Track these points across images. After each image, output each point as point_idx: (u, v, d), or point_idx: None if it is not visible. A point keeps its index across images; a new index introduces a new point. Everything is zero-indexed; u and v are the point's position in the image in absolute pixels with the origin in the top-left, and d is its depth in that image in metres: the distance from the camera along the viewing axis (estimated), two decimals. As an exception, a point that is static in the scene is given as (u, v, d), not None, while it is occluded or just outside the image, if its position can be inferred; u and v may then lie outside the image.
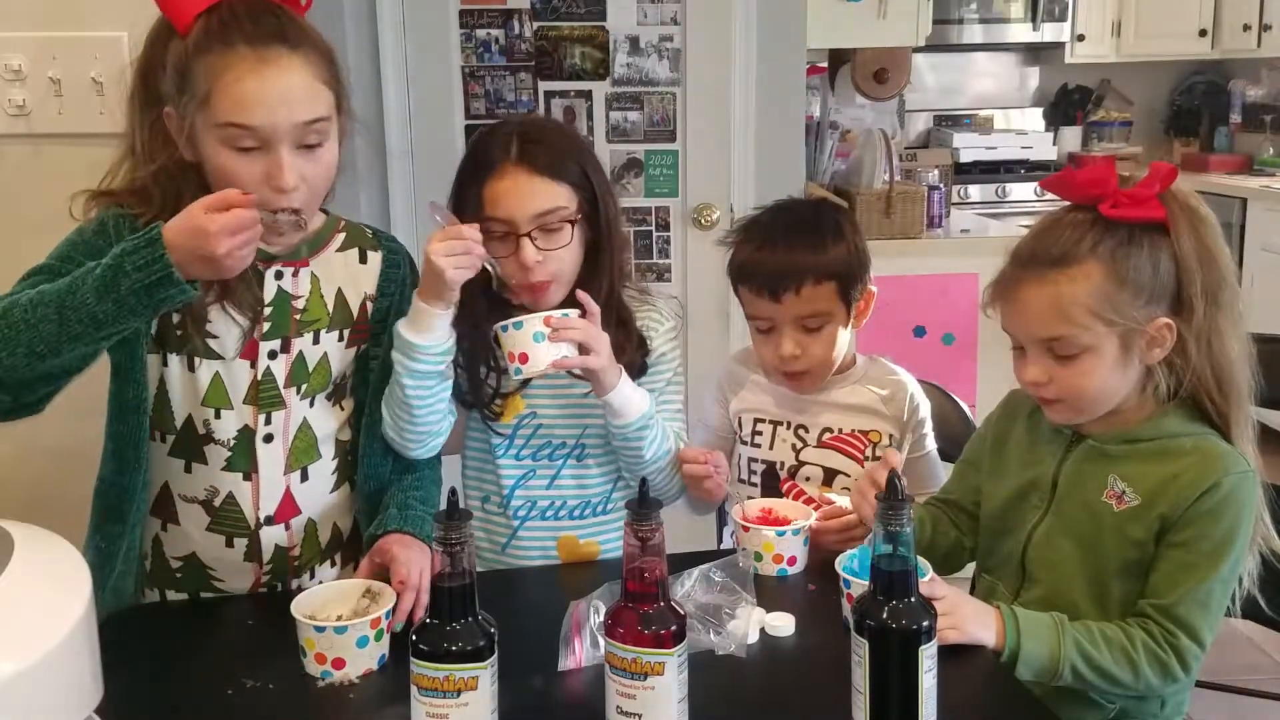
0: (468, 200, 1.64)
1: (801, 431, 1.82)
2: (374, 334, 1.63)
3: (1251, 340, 1.46)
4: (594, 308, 1.59)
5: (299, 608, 1.33)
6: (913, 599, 1.12)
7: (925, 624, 1.11)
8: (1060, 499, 1.50)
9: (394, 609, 1.37)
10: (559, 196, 1.62)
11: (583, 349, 1.57)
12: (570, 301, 1.63)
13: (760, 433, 1.84)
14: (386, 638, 1.34)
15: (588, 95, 3.18)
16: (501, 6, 3.12)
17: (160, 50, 1.45)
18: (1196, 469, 1.40)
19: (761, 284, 1.73)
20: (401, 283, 1.66)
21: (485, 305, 1.65)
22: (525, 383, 1.70)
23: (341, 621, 1.33)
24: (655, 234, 3.24)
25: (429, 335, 1.54)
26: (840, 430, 1.81)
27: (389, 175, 3.11)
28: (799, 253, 1.73)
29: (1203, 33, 5.62)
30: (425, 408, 1.58)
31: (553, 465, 1.74)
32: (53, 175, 1.91)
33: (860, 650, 1.12)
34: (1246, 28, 5.42)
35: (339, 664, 1.31)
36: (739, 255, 1.79)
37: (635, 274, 1.78)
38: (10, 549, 0.97)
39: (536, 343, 1.54)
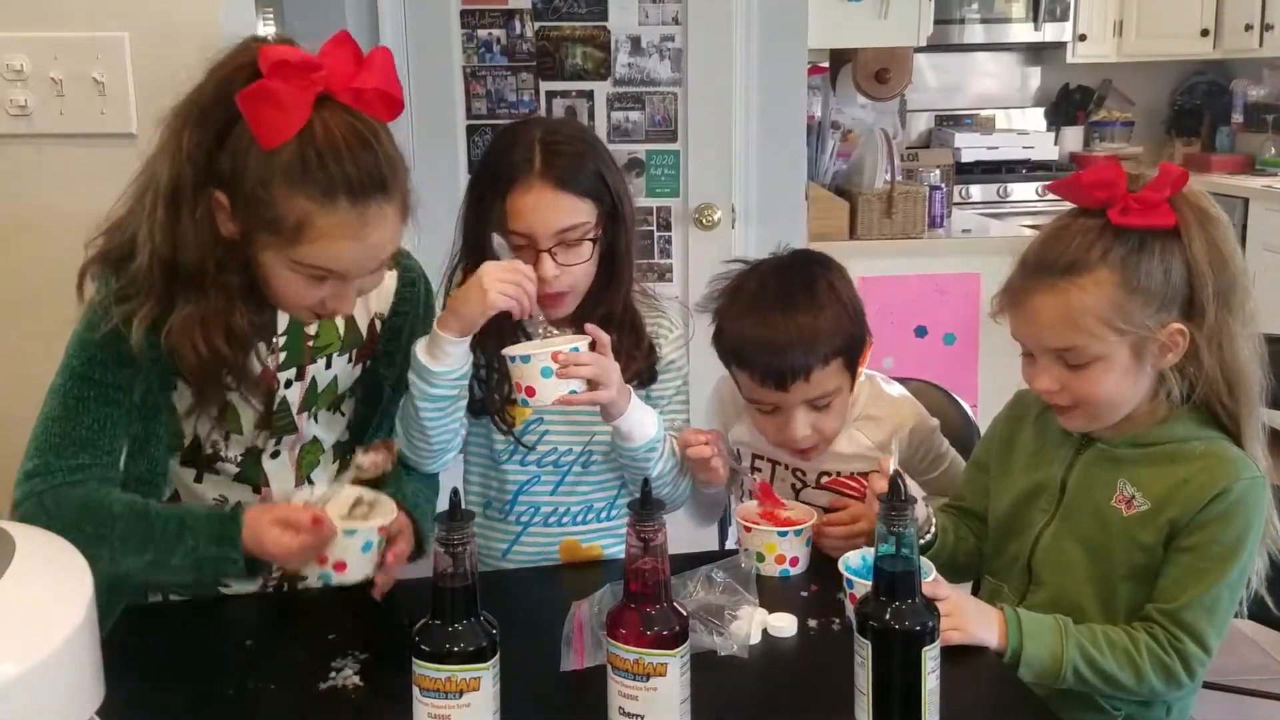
0: (490, 209, 1.61)
1: (799, 474, 1.78)
2: (386, 355, 1.62)
3: (1263, 340, 1.44)
4: (604, 338, 1.56)
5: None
6: (916, 600, 1.12)
7: (929, 625, 1.11)
8: (1069, 502, 1.49)
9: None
10: (581, 212, 1.60)
11: (591, 383, 1.53)
12: (580, 322, 1.62)
13: (759, 469, 1.80)
14: (376, 553, 1.38)
15: (589, 95, 3.18)
16: (503, 7, 3.12)
17: (223, 127, 1.31)
18: (1207, 474, 1.39)
19: (766, 375, 1.62)
20: (417, 301, 1.64)
21: (508, 317, 1.57)
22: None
23: (351, 524, 1.35)
24: (656, 234, 3.24)
25: (445, 361, 1.51)
26: (838, 473, 1.75)
27: (390, 175, 3.11)
28: (802, 335, 1.60)
29: (1204, 32, 5.62)
30: (439, 427, 1.58)
31: (558, 472, 1.73)
32: (54, 176, 1.91)
33: (863, 651, 1.12)
34: (1248, 27, 5.42)
35: (340, 567, 1.34)
36: (732, 332, 1.66)
37: (638, 275, 1.75)
38: (12, 550, 0.97)
39: (544, 378, 1.50)
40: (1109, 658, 1.36)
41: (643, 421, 1.62)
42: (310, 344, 1.54)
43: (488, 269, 1.50)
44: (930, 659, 1.11)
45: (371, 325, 1.60)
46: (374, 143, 1.31)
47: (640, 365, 1.69)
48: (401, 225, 1.39)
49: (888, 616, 1.11)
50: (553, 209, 1.58)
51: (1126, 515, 1.42)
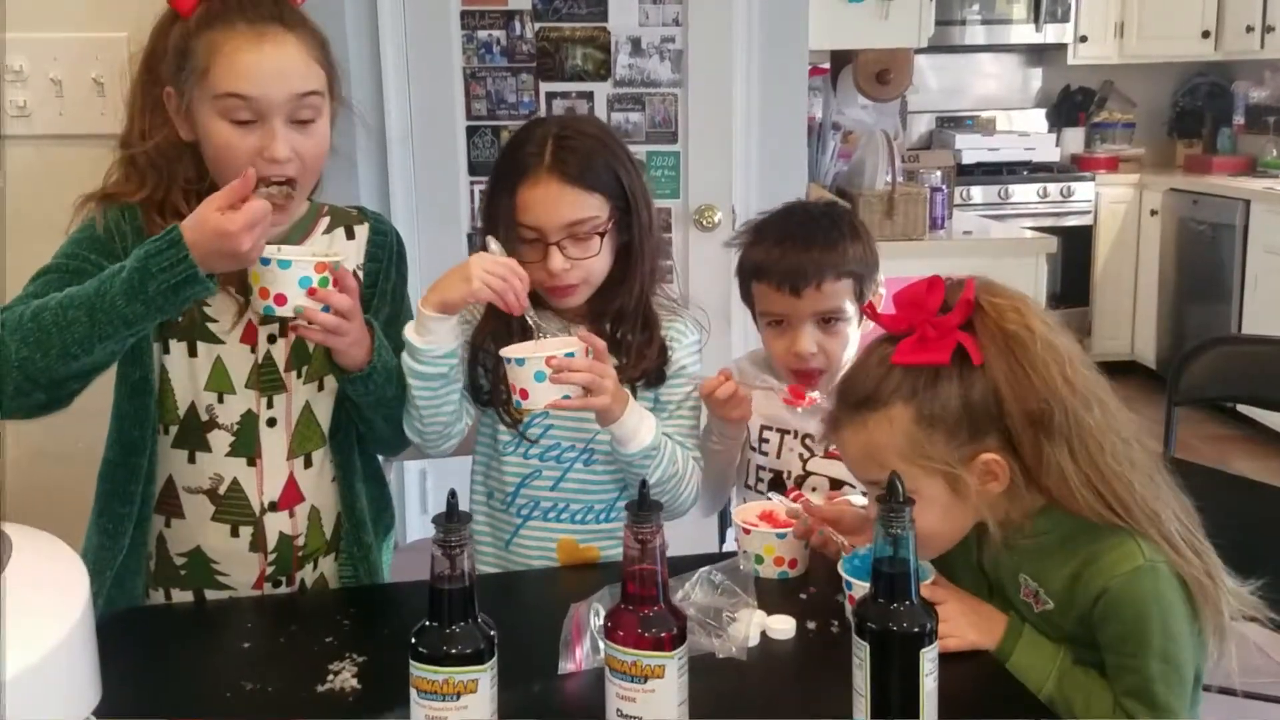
0: (501, 203, 1.64)
1: (809, 441, 1.80)
2: (363, 301, 1.63)
3: (1137, 447, 1.31)
4: (599, 345, 1.56)
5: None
6: (913, 601, 1.11)
7: (926, 627, 1.10)
8: (994, 587, 1.43)
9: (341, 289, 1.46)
10: (590, 207, 1.62)
11: (586, 389, 1.53)
12: (594, 316, 1.65)
13: (768, 440, 1.83)
14: (333, 291, 1.44)
15: (589, 96, 3.18)
16: (503, 8, 3.12)
17: (163, 38, 1.51)
18: (1090, 570, 1.29)
19: (782, 279, 1.71)
20: (390, 250, 1.69)
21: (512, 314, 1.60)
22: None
23: (285, 256, 1.41)
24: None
25: (428, 338, 1.54)
26: None
27: (390, 177, 3.11)
28: (819, 249, 1.71)
29: (1205, 34, 5.63)
30: (432, 408, 1.59)
31: (559, 467, 1.73)
32: (54, 176, 1.91)
33: (861, 653, 1.12)
34: (1249, 29, 5.42)
35: (280, 300, 1.41)
36: (754, 254, 1.77)
37: (662, 277, 1.77)
38: (9, 550, 0.97)
39: (537, 382, 1.50)
40: (1082, 709, 1.30)
41: (638, 429, 1.62)
42: None
43: (478, 258, 1.53)
44: (928, 660, 1.10)
45: (355, 278, 1.62)
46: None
47: (650, 365, 1.70)
48: (313, 64, 1.50)
49: (885, 618, 1.11)
50: (560, 202, 1.60)
51: (1037, 612, 1.36)
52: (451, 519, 1.09)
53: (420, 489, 3.32)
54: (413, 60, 3.10)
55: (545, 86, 3.17)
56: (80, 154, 1.90)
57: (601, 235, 1.63)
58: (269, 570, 1.61)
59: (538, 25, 3.14)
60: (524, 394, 1.51)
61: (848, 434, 1.35)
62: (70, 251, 1.53)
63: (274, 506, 1.59)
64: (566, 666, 1.30)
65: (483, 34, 3.14)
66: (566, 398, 1.52)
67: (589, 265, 1.64)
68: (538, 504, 1.74)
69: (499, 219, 1.64)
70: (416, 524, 3.27)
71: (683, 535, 1.85)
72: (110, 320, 1.37)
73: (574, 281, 1.64)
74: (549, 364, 1.49)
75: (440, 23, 3.11)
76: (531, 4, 3.11)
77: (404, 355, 1.57)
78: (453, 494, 1.15)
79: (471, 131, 3.18)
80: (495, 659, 1.11)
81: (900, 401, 1.29)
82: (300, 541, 1.62)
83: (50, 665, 0.90)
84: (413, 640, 1.11)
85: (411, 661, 1.10)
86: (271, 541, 1.60)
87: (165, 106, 1.52)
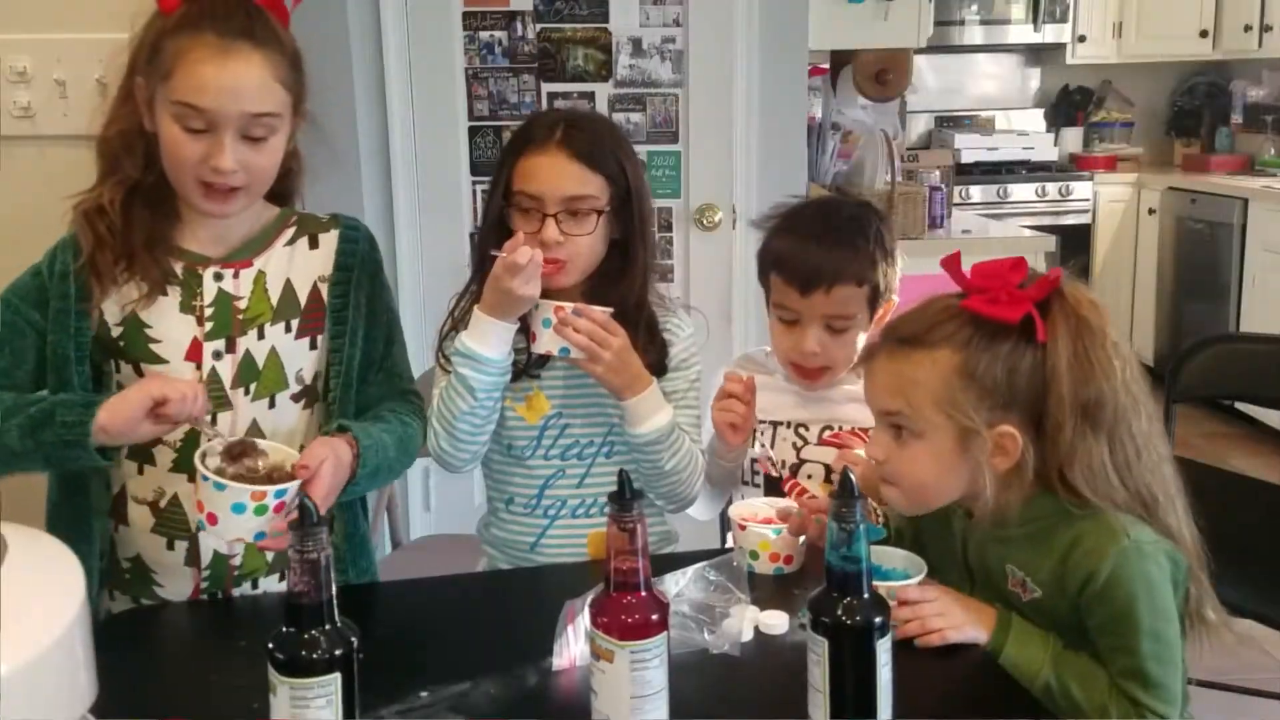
0: (502, 170, 1.69)
1: (801, 430, 1.82)
2: (334, 312, 1.63)
3: (1170, 459, 1.37)
4: (596, 314, 1.62)
5: (209, 451, 1.39)
6: (866, 595, 1.11)
7: (880, 619, 1.11)
8: (977, 580, 1.44)
9: (289, 498, 1.38)
10: (591, 185, 1.65)
11: (586, 352, 1.60)
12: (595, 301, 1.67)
13: (761, 432, 1.84)
14: (270, 517, 1.36)
15: (590, 97, 3.18)
16: (504, 8, 3.13)
17: (148, 31, 1.53)
18: (1075, 555, 1.31)
19: (793, 277, 1.72)
20: (362, 258, 1.66)
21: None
22: (543, 363, 1.72)
23: (222, 480, 1.35)
24: (658, 235, 3.25)
25: (501, 349, 1.63)
26: (840, 427, 1.80)
27: (393, 177, 3.12)
28: (838, 253, 1.71)
29: (1204, 33, 5.63)
30: (481, 422, 1.66)
31: (582, 464, 1.75)
32: (57, 177, 1.91)
33: (818, 649, 1.12)
34: (1247, 28, 5.43)
35: (211, 520, 1.36)
36: (777, 243, 1.77)
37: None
38: (3, 550, 0.97)
39: (544, 328, 1.63)
40: (1079, 694, 1.32)
41: (651, 415, 1.66)
42: (240, 316, 1.57)
43: (504, 280, 1.58)
44: (883, 652, 1.11)
45: (315, 291, 1.63)
46: (254, 11, 1.50)
47: (652, 359, 1.72)
48: (274, 85, 1.50)
49: (839, 613, 1.10)
50: (563, 174, 1.64)
51: (1025, 601, 1.37)
52: (305, 522, 1.06)
53: (424, 487, 3.33)
54: (415, 60, 3.11)
55: (547, 87, 3.17)
56: (84, 156, 1.90)
57: (599, 214, 1.65)
58: (203, 585, 1.59)
59: (539, 26, 3.14)
60: (533, 337, 1.64)
61: (883, 361, 1.38)
62: (10, 300, 1.56)
63: None
64: (561, 663, 1.31)
65: (484, 35, 3.15)
66: (564, 351, 1.62)
67: (579, 244, 1.65)
68: (565, 503, 1.76)
69: (499, 187, 1.68)
70: (419, 522, 3.28)
71: (686, 533, 1.86)
72: (3, 447, 1.45)
73: (562, 257, 1.65)
74: (556, 314, 1.60)
75: (442, 23, 3.12)
76: (533, 5, 3.12)
77: (464, 371, 1.62)
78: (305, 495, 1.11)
79: (473, 132, 3.19)
80: (351, 668, 1.08)
81: (950, 349, 1.32)
82: (236, 561, 1.60)
83: (46, 663, 0.90)
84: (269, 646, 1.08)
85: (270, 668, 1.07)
86: (206, 558, 1.58)
87: (134, 97, 1.53)
